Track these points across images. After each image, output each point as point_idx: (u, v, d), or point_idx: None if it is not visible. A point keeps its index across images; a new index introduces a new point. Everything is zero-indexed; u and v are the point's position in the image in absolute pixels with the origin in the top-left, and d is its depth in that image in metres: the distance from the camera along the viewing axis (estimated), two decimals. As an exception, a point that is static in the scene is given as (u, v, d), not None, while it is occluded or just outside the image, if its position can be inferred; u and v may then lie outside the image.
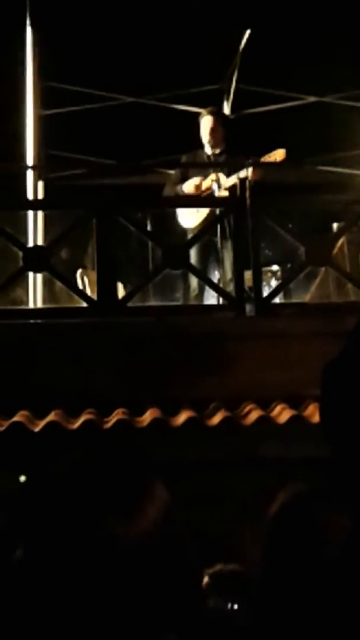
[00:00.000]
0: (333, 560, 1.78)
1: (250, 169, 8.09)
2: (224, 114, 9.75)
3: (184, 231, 8.73)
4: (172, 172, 9.08)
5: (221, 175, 8.54)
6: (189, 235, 8.62)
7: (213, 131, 8.85)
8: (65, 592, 1.58)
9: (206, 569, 3.17)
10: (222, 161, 8.83)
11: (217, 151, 8.87)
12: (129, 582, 1.60)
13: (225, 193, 8.42)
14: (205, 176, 8.72)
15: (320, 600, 1.76)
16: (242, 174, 8.08)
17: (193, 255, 8.39)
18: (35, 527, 1.68)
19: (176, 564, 1.68)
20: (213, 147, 8.84)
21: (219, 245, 8.29)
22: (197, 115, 9.26)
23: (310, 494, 1.87)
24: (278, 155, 8.27)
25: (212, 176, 8.61)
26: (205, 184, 8.67)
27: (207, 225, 8.39)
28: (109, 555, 1.61)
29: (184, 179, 8.79)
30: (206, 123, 8.90)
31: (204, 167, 8.81)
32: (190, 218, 8.67)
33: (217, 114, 9.26)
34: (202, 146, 8.97)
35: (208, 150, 8.89)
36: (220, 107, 10.51)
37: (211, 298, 8.33)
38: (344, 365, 1.43)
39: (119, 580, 1.60)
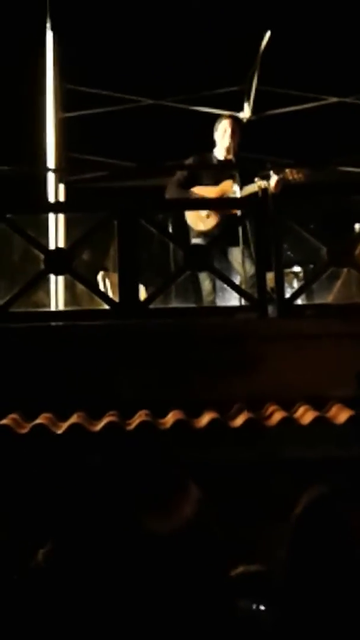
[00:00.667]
0: (358, 560, 1.77)
1: (274, 179, 8.11)
2: (241, 121, 9.74)
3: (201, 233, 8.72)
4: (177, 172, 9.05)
5: (235, 185, 8.51)
6: (193, 238, 8.61)
7: (233, 134, 8.85)
8: (104, 584, 1.58)
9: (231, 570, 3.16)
10: (236, 165, 8.79)
11: (230, 156, 8.86)
12: (165, 575, 1.60)
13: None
14: (216, 182, 8.70)
15: (345, 600, 1.75)
16: (263, 183, 8.08)
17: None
18: (75, 522, 1.68)
19: (210, 560, 1.67)
20: (229, 150, 8.84)
21: (238, 246, 8.27)
22: (217, 117, 9.26)
23: (333, 495, 1.86)
24: (298, 175, 8.28)
25: (229, 181, 8.58)
26: (217, 190, 8.65)
27: (227, 227, 8.38)
28: (147, 548, 1.61)
29: (192, 181, 8.76)
30: (226, 126, 8.89)
31: (215, 171, 8.80)
32: (199, 223, 8.65)
33: (236, 119, 9.28)
34: (210, 150, 8.97)
35: (220, 154, 8.88)
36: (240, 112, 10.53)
37: (228, 300, 8.32)
38: None
39: (156, 573, 1.60)
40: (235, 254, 8.43)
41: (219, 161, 8.92)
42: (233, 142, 8.86)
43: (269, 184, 8.12)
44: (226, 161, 8.89)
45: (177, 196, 8.77)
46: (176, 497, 1.69)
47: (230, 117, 9.11)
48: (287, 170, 8.29)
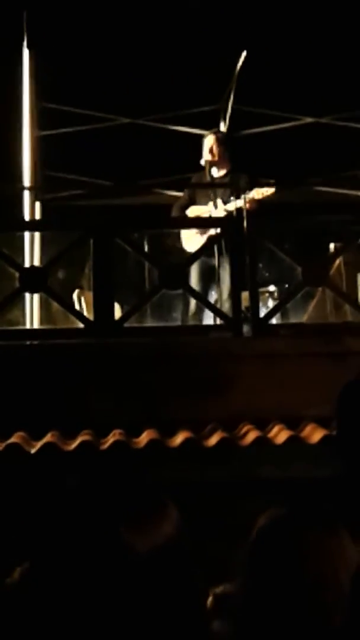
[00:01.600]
0: (314, 582, 1.78)
1: (246, 198, 8.13)
2: (225, 134, 9.75)
3: (181, 251, 8.74)
4: (180, 193, 9.06)
5: (219, 202, 8.55)
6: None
7: (211, 150, 8.85)
8: (82, 595, 1.58)
9: (210, 588, 3.17)
10: (225, 182, 8.80)
11: (222, 172, 8.87)
12: (141, 590, 1.60)
13: (223, 214, 8.45)
14: (213, 200, 8.73)
15: (299, 620, 1.76)
16: (239, 203, 8.09)
17: (194, 276, 8.41)
18: (53, 540, 1.68)
19: (185, 578, 1.67)
20: (215, 167, 8.84)
21: (215, 266, 8.30)
22: (194, 136, 9.30)
23: (291, 516, 1.88)
24: (267, 192, 8.31)
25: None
26: (205, 209, 8.69)
27: (203, 246, 8.40)
28: (125, 563, 1.61)
29: (190, 202, 8.82)
30: (211, 142, 8.91)
31: (209, 190, 8.81)
32: (193, 243, 8.66)
33: (217, 133, 9.30)
34: (189, 168, 9.02)
35: (214, 172, 8.88)
36: (219, 129, 10.55)
37: (210, 319, 8.33)
38: None
39: (133, 588, 1.60)
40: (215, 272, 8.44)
41: (212, 178, 8.89)
42: (220, 157, 8.85)
43: (242, 203, 8.14)
44: (220, 178, 8.86)
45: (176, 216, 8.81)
46: (155, 515, 1.70)
47: (211, 132, 9.13)
48: (255, 190, 8.30)
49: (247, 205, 8.09)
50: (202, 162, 8.87)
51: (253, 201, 8.20)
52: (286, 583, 1.78)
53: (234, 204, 8.16)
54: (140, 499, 1.76)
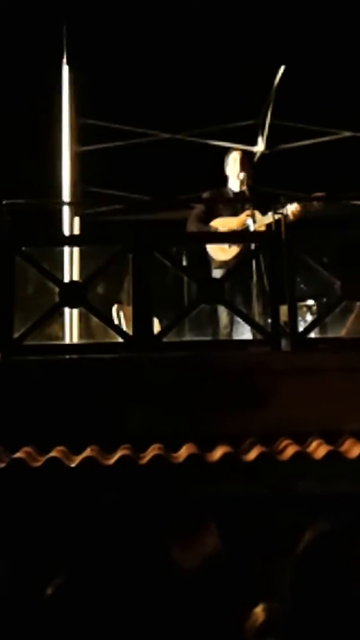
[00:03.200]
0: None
1: (293, 206, 8.18)
2: (250, 153, 9.84)
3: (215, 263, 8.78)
4: (196, 206, 9.13)
5: (257, 212, 8.60)
6: (214, 269, 8.67)
7: (243, 165, 8.96)
8: (120, 614, 1.60)
9: (261, 604, 3.17)
10: (251, 197, 8.88)
11: (244, 188, 8.96)
12: (187, 605, 1.62)
13: (262, 228, 8.47)
14: (234, 214, 8.78)
15: (347, 635, 1.76)
16: (282, 211, 8.13)
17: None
18: (89, 555, 1.71)
19: (228, 592, 1.69)
20: (242, 183, 8.94)
21: (252, 280, 8.31)
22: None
23: (336, 532, 1.87)
24: (317, 197, 8.37)
25: (247, 212, 8.66)
26: (239, 219, 8.73)
27: (241, 261, 8.41)
28: (174, 578, 1.63)
29: (210, 215, 8.86)
30: (236, 157, 9.01)
31: (232, 204, 8.88)
32: (220, 253, 8.71)
33: (245, 151, 9.39)
34: (224, 183, 9.07)
35: (235, 187, 8.99)
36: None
37: (242, 334, 8.33)
38: None
39: (180, 603, 1.61)
40: (252, 286, 8.47)
41: (235, 193, 9.01)
42: (245, 173, 8.95)
43: (288, 212, 8.18)
44: (241, 193, 8.98)
45: (198, 230, 8.84)
46: (199, 531, 1.72)
47: (239, 150, 9.21)
48: (298, 205, 8.36)
49: (292, 216, 8.16)
50: (235, 177, 8.95)
51: (299, 211, 8.27)
52: (335, 598, 1.78)
53: (269, 217, 8.20)
54: (184, 516, 1.78)
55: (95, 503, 5.96)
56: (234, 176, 9.02)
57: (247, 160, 9.09)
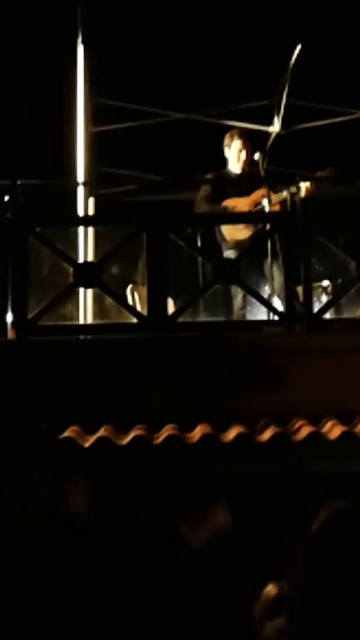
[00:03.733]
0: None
1: (304, 185, 8.15)
2: (250, 133, 9.83)
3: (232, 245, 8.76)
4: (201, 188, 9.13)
5: (264, 200, 8.57)
6: (226, 250, 8.64)
7: (247, 152, 8.99)
8: (142, 584, 1.59)
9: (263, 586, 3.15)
10: (264, 178, 8.87)
11: (246, 171, 8.99)
12: (200, 579, 1.61)
13: (276, 207, 8.45)
14: (240, 194, 8.79)
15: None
16: (294, 189, 8.10)
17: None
18: (117, 526, 1.69)
19: (237, 571, 1.67)
20: (244, 168, 8.98)
21: (267, 260, 8.29)
22: (246, 131, 9.35)
23: (351, 510, 1.85)
24: (328, 172, 8.33)
25: (262, 191, 8.63)
26: (251, 200, 8.71)
27: (256, 241, 8.39)
28: (180, 555, 1.61)
29: (218, 195, 8.85)
30: (240, 147, 9.03)
31: (236, 184, 8.91)
32: (236, 232, 8.69)
33: (249, 136, 9.39)
34: (225, 165, 9.10)
35: (235, 169, 9.01)
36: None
37: (256, 315, 8.32)
38: None
39: (186, 581, 1.60)
40: (267, 267, 8.45)
41: (237, 175, 9.03)
42: (247, 159, 9.00)
43: (300, 189, 8.16)
44: (242, 175, 8.98)
45: (209, 210, 8.82)
46: (208, 507, 1.70)
47: (241, 136, 9.20)
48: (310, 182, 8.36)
49: (305, 191, 8.14)
50: (238, 162, 8.97)
51: (312, 187, 8.26)
52: (350, 578, 1.76)
53: (283, 194, 8.20)
54: (193, 493, 1.77)
55: (108, 483, 5.94)
56: (238, 163, 9.05)
57: (249, 146, 9.09)
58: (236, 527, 1.76)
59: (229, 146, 9.12)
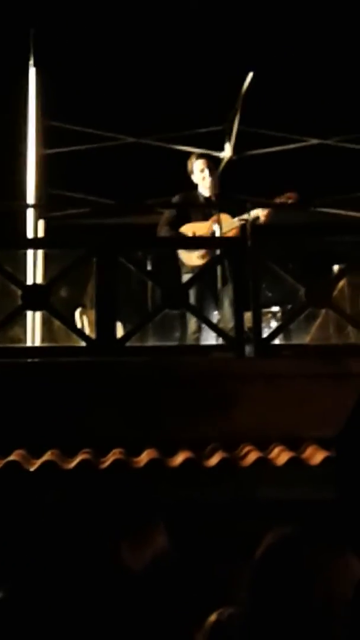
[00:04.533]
0: (322, 603, 1.73)
1: (261, 211, 8.17)
2: (213, 157, 9.79)
3: (182, 269, 8.74)
4: (166, 211, 9.09)
5: (227, 216, 8.56)
6: (184, 274, 8.62)
7: (211, 171, 8.94)
8: (74, 607, 1.55)
9: (215, 610, 3.11)
10: (219, 202, 8.86)
11: (214, 193, 8.93)
12: (137, 603, 1.57)
13: (230, 233, 8.45)
14: (205, 219, 8.75)
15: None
16: (253, 214, 8.12)
17: (191, 295, 8.38)
18: (47, 554, 1.65)
19: (177, 595, 1.64)
20: (212, 188, 8.90)
21: (218, 285, 8.29)
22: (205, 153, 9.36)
23: (296, 536, 1.83)
24: (290, 197, 8.34)
25: (214, 217, 8.64)
26: (207, 226, 8.69)
27: (206, 266, 8.38)
28: (121, 579, 1.58)
29: (181, 220, 8.81)
30: (201, 165, 8.98)
31: (202, 209, 8.86)
32: (194, 258, 8.66)
33: (209, 157, 9.36)
34: (194, 188, 9.03)
35: (205, 192, 8.95)
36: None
37: (210, 339, 8.30)
38: None
39: (127, 604, 1.57)
40: (218, 292, 8.44)
41: (205, 199, 8.97)
42: (213, 179, 8.92)
43: (258, 216, 8.16)
44: (209, 199, 8.95)
45: (167, 235, 8.80)
46: (148, 530, 1.68)
47: (200, 156, 9.17)
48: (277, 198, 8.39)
49: (264, 217, 8.14)
50: (203, 183, 8.92)
51: (270, 214, 8.26)
52: (294, 604, 1.74)
53: (240, 218, 8.20)
54: (134, 518, 1.73)
55: (51, 506, 5.89)
56: (204, 184, 8.98)
57: (213, 166, 9.06)
58: (177, 551, 1.73)
59: (192, 171, 9.06)
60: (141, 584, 1.58)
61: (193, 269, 8.62)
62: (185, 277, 8.62)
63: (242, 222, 8.21)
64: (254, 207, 8.35)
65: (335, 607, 1.73)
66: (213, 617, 2.18)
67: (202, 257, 8.55)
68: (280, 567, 1.81)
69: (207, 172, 8.94)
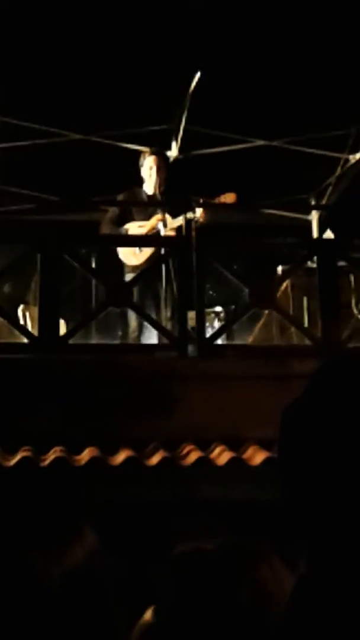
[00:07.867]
0: (248, 607, 1.74)
1: (199, 210, 8.14)
2: (166, 155, 9.77)
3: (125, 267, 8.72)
4: (109, 209, 9.06)
5: (167, 216, 8.56)
6: (127, 273, 8.60)
7: (159, 170, 8.90)
8: None
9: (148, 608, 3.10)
10: (164, 201, 8.84)
11: (159, 191, 8.90)
12: (50, 615, 1.56)
13: (171, 233, 8.43)
14: (148, 216, 8.73)
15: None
16: (191, 214, 8.10)
17: (135, 293, 8.37)
18: None
19: (96, 605, 1.63)
20: (156, 187, 8.88)
21: (160, 284, 8.28)
22: (160, 150, 9.34)
23: (189, 556, 1.84)
24: (229, 197, 8.34)
25: (158, 215, 8.62)
26: (150, 224, 8.67)
27: (151, 265, 8.38)
28: (34, 588, 1.56)
29: (124, 217, 8.78)
30: (152, 162, 8.95)
31: (145, 206, 8.84)
32: (131, 257, 8.64)
33: (162, 154, 9.33)
34: (139, 185, 9.01)
35: (149, 189, 8.93)
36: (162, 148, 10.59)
37: (150, 339, 8.30)
38: (304, 407, 1.40)
39: (41, 613, 1.55)
40: (162, 291, 8.43)
41: (149, 196, 8.95)
42: (159, 178, 8.91)
43: (196, 214, 8.15)
44: (154, 196, 8.92)
45: (109, 232, 8.76)
46: (69, 539, 1.66)
47: (154, 153, 9.13)
48: (217, 198, 8.39)
49: (202, 217, 8.13)
50: (150, 181, 8.89)
51: (208, 213, 8.24)
52: (215, 612, 1.74)
53: (182, 218, 8.17)
54: (54, 523, 1.71)
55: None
56: (149, 181, 8.96)
57: (162, 165, 9.03)
58: (110, 552, 1.72)
59: (142, 165, 9.03)
60: (61, 592, 1.56)
61: (133, 268, 8.61)
62: (127, 276, 8.60)
63: (184, 221, 8.18)
64: (195, 206, 8.33)
65: (262, 611, 1.73)
66: (147, 616, 2.18)
67: (141, 254, 8.54)
68: (195, 575, 1.81)
69: (154, 170, 8.92)
